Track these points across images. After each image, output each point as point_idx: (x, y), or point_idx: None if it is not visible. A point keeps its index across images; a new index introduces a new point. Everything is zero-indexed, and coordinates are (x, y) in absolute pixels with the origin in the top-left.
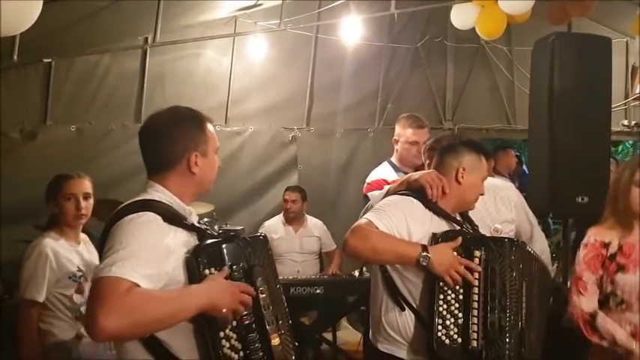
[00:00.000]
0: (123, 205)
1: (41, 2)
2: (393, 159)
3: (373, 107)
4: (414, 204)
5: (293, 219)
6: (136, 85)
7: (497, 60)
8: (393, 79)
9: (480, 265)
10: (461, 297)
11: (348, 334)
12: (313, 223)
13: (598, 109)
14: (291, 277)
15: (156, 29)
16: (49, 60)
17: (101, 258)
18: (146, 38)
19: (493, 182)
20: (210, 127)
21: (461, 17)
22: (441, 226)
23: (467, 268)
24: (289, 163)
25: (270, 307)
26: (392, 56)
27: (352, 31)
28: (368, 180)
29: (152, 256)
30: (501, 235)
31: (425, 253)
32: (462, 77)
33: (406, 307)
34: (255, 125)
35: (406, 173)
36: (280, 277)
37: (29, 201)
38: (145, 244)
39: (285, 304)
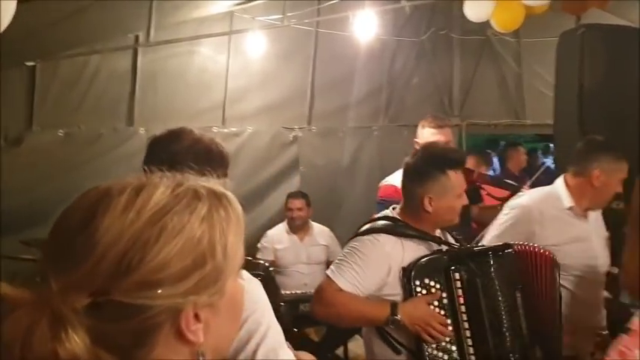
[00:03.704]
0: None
1: (15, 2)
2: None
3: (377, 104)
4: (379, 243)
5: (298, 227)
6: (127, 86)
7: (505, 52)
8: (397, 74)
9: (461, 287)
10: (450, 329)
11: (359, 347)
12: (319, 230)
13: (630, 105)
14: (299, 292)
15: (149, 26)
16: (32, 63)
17: None
18: (137, 36)
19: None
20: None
21: (475, 9)
22: (417, 250)
23: (449, 295)
24: (291, 164)
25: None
26: (396, 50)
27: (363, 25)
28: (380, 184)
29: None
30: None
31: (393, 317)
32: (468, 71)
33: (401, 350)
34: (253, 125)
35: None
36: (287, 292)
37: (13, 212)
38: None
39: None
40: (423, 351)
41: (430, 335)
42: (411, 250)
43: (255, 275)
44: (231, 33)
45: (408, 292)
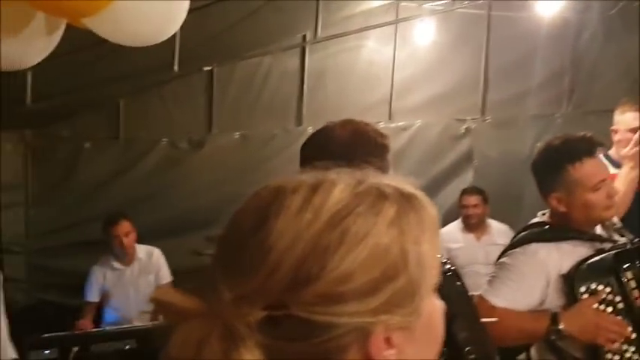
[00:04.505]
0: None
1: (187, 3)
2: (611, 152)
3: (559, 89)
4: (531, 252)
5: (474, 225)
6: (296, 86)
7: None
8: (582, 55)
9: (637, 287)
10: (634, 336)
11: None
12: (498, 228)
13: None
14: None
15: (317, 24)
16: (210, 68)
17: None
18: (304, 35)
19: None
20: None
21: None
22: (575, 252)
23: (624, 298)
24: (463, 158)
25: None
26: (580, 28)
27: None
28: None
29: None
30: None
31: (555, 327)
32: None
33: None
34: (422, 118)
35: None
36: None
37: (200, 210)
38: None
39: None
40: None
41: (608, 339)
42: (569, 255)
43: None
44: (398, 21)
45: (573, 301)
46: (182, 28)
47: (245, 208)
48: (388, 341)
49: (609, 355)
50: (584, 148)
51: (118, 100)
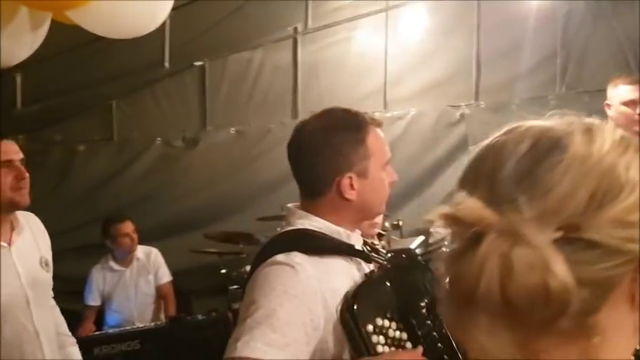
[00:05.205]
0: (270, 238)
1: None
2: None
3: (551, 72)
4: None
5: None
6: (289, 79)
7: None
8: (572, 37)
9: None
10: None
11: None
12: None
13: None
14: None
15: (307, 16)
16: (201, 63)
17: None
18: (295, 28)
19: None
20: (375, 135)
21: None
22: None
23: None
24: (459, 144)
25: None
26: (569, 10)
27: None
28: None
29: (294, 314)
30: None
31: None
32: None
33: None
34: (417, 106)
35: None
36: None
37: (198, 208)
38: (282, 299)
39: None
40: None
41: None
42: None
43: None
44: (388, 9)
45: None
46: (171, 24)
47: (542, 130)
48: None
49: None
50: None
51: (110, 102)
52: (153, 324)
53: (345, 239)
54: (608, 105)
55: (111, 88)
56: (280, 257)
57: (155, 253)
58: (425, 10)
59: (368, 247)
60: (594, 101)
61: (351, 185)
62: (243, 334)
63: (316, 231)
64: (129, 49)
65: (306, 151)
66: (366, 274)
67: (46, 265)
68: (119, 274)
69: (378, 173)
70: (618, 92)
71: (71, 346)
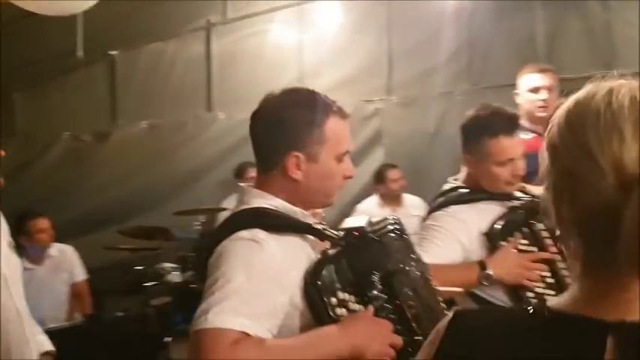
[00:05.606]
0: (228, 217)
1: None
2: (522, 120)
3: (458, 68)
4: (452, 212)
5: (393, 199)
6: (203, 72)
7: None
8: (476, 34)
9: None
10: (548, 278)
11: None
12: (411, 201)
13: None
14: None
15: (225, 7)
16: (114, 52)
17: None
18: (209, 19)
19: None
20: (336, 123)
21: None
22: (492, 210)
23: (540, 248)
24: (373, 137)
25: (423, 320)
26: (474, 8)
27: None
28: None
29: (262, 287)
30: None
31: (485, 272)
32: (552, 22)
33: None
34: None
35: (539, 133)
36: None
37: (111, 204)
38: (250, 273)
39: (438, 299)
40: (523, 299)
41: (530, 278)
42: (486, 213)
43: None
44: (302, 3)
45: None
46: (84, 12)
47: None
48: None
49: (530, 294)
50: (505, 125)
51: (12, 94)
52: (68, 323)
53: (301, 218)
54: (517, 93)
55: (14, 78)
56: (244, 233)
57: (71, 250)
58: (338, 6)
59: (321, 226)
60: (497, 96)
61: (298, 165)
62: (213, 306)
63: (274, 209)
64: (37, 39)
65: (264, 122)
66: (322, 252)
67: (14, 248)
68: (31, 273)
69: (329, 161)
70: (525, 80)
71: (40, 334)
